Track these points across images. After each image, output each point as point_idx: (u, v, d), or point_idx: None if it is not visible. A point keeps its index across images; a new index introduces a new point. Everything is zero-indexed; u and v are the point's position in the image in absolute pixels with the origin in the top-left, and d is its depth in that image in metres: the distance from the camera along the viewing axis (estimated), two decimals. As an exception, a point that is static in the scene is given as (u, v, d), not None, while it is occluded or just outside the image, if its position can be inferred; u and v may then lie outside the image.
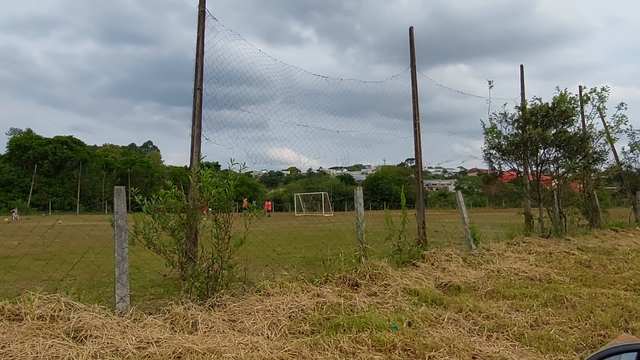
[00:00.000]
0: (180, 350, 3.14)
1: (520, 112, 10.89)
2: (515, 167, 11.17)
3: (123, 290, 4.07)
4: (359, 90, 8.47)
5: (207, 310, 4.04)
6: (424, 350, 3.27)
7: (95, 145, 78.72)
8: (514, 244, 8.75)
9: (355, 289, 5.02)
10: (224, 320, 3.88)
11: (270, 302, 4.24)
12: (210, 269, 4.51)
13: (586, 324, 4.05)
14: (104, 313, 3.70)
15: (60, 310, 3.59)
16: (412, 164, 9.95)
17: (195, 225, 4.78)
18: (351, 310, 4.25)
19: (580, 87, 12.62)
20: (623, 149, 15.53)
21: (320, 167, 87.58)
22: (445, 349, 3.28)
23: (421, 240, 7.92)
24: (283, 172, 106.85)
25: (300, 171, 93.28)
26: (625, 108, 12.78)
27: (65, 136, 57.73)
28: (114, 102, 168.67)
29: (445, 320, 4.10)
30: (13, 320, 3.45)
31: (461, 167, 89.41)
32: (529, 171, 11.14)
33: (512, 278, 6.21)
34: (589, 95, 12.36)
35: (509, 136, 10.84)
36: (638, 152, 15.21)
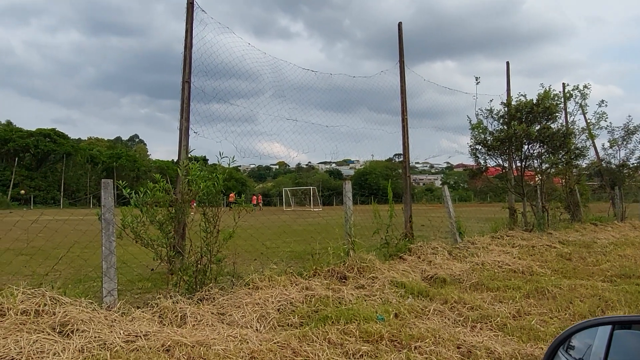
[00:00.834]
0: (169, 343, 3.14)
1: (506, 108, 11.07)
2: (501, 162, 11.37)
3: (111, 284, 4.04)
4: (348, 85, 8.50)
5: (195, 304, 4.04)
6: (410, 341, 3.35)
7: (79, 139, 76.87)
8: (498, 238, 8.93)
9: (344, 282, 5.08)
10: (212, 313, 3.89)
11: (259, 295, 4.27)
12: (199, 262, 4.51)
13: (566, 314, 4.20)
14: (91, 307, 3.64)
15: (45, 304, 3.50)
16: (400, 159, 10.05)
17: (183, 219, 4.76)
18: (339, 302, 4.31)
19: (563, 84, 12.93)
20: (603, 145, 15.93)
21: (309, 162, 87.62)
22: (430, 340, 3.36)
23: (408, 234, 8.03)
24: (272, 166, 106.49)
25: (289, 166, 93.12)
26: (606, 105, 13.16)
27: (48, 129, 56.27)
28: (100, 94, 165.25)
29: (431, 311, 4.19)
30: (-4, 316, 3.39)
31: (448, 163, 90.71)
32: (514, 166, 11.35)
33: (495, 270, 6.36)
34: (571, 92, 12.69)
35: (494, 132, 11.00)
36: (617, 148, 15.61)
